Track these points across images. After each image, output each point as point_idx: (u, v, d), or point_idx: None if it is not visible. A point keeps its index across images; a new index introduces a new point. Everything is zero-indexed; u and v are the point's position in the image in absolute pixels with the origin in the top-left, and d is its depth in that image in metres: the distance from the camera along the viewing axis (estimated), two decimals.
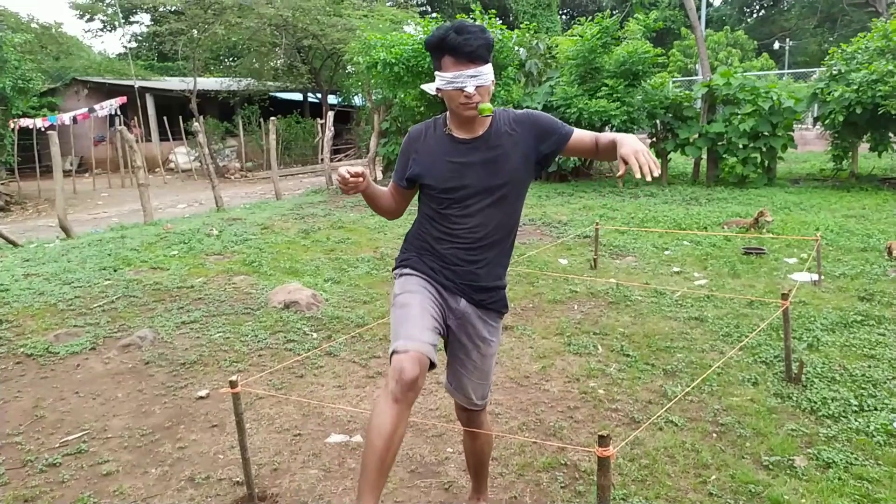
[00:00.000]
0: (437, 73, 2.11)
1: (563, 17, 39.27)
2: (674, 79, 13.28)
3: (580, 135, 2.22)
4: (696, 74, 24.21)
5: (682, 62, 28.57)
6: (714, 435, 3.18)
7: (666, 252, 6.96)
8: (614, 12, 13.36)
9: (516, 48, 13.01)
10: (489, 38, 2.05)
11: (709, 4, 32.24)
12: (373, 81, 13.67)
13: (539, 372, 4.00)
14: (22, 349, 4.49)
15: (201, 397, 3.77)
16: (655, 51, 11.78)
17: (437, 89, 2.12)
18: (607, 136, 2.17)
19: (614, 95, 11.53)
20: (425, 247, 2.25)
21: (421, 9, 31.20)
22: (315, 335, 4.75)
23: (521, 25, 13.84)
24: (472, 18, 12.70)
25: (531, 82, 13.39)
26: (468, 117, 2.12)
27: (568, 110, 11.79)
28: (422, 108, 13.77)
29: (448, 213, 2.20)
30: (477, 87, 2.04)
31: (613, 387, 3.76)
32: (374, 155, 14.51)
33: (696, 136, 11.84)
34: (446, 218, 2.19)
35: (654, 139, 12.52)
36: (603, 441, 1.96)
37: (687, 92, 12.25)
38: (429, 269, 2.22)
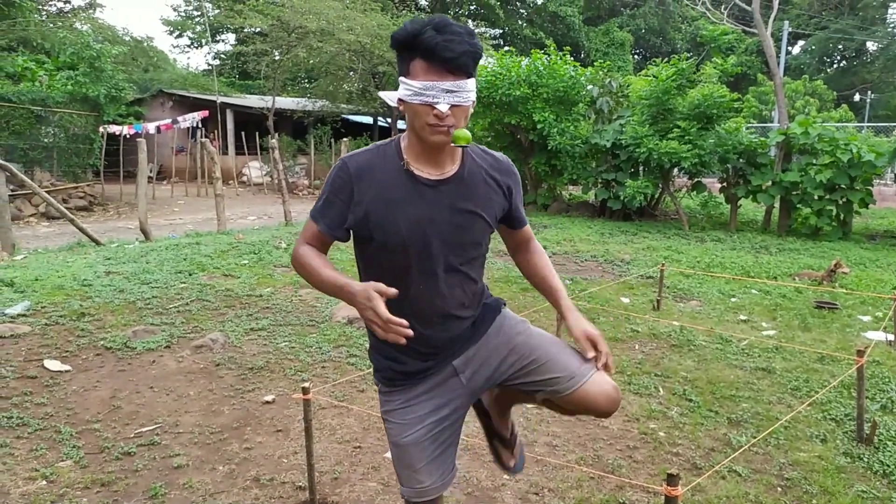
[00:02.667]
0: (401, 78, 1.64)
1: (636, 57, 39.21)
2: (748, 124, 13.04)
3: (528, 232, 1.97)
4: (772, 121, 23.70)
5: (756, 108, 28.01)
6: (779, 489, 3.10)
7: (733, 299, 6.81)
8: (689, 55, 13.28)
9: (588, 85, 13.07)
10: (477, 45, 1.60)
11: (788, 52, 31.64)
12: None
13: None
14: (102, 342, 4.74)
15: (267, 402, 3.90)
16: (731, 95, 11.65)
17: (399, 100, 1.64)
18: (550, 277, 1.93)
19: (686, 137, 11.41)
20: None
21: (494, 42, 31.69)
22: None
23: (595, 63, 13.91)
24: (546, 54, 12.85)
25: (601, 120, 13.41)
26: (435, 143, 1.63)
27: (637, 149, 11.74)
28: (489, 139, 13.94)
29: (400, 278, 1.70)
30: (453, 105, 1.59)
31: (675, 430, 3.70)
32: None
33: (770, 183, 11.58)
34: (398, 284, 1.65)
35: (725, 184, 12.30)
36: (672, 480, 1.96)
37: (762, 139, 12.03)
38: (401, 374, 1.83)
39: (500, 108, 12.70)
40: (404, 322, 1.53)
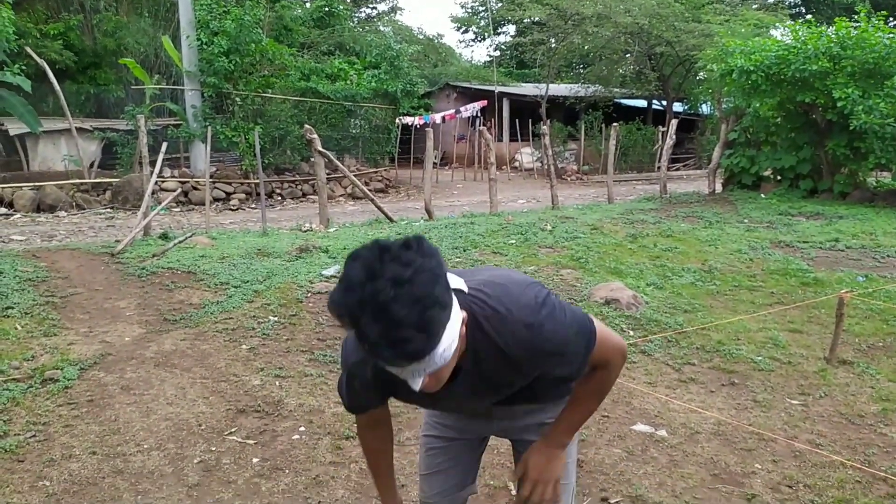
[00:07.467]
0: None
1: None
2: None
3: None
4: None
5: None
6: None
7: None
8: None
9: None
10: (433, 319, 1.22)
11: None
12: (725, 90, 13.07)
13: (877, 414, 3.61)
14: None
15: None
16: None
17: None
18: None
19: None
20: None
21: (794, 11, 28.40)
22: (632, 332, 4.94)
23: None
24: (855, 21, 11.28)
25: None
26: None
27: None
28: (778, 119, 12.74)
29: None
30: (429, 374, 1.32)
31: None
32: (715, 166, 13.90)
33: None
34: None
35: None
36: None
37: None
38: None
39: (791, 85, 11.51)
40: None
